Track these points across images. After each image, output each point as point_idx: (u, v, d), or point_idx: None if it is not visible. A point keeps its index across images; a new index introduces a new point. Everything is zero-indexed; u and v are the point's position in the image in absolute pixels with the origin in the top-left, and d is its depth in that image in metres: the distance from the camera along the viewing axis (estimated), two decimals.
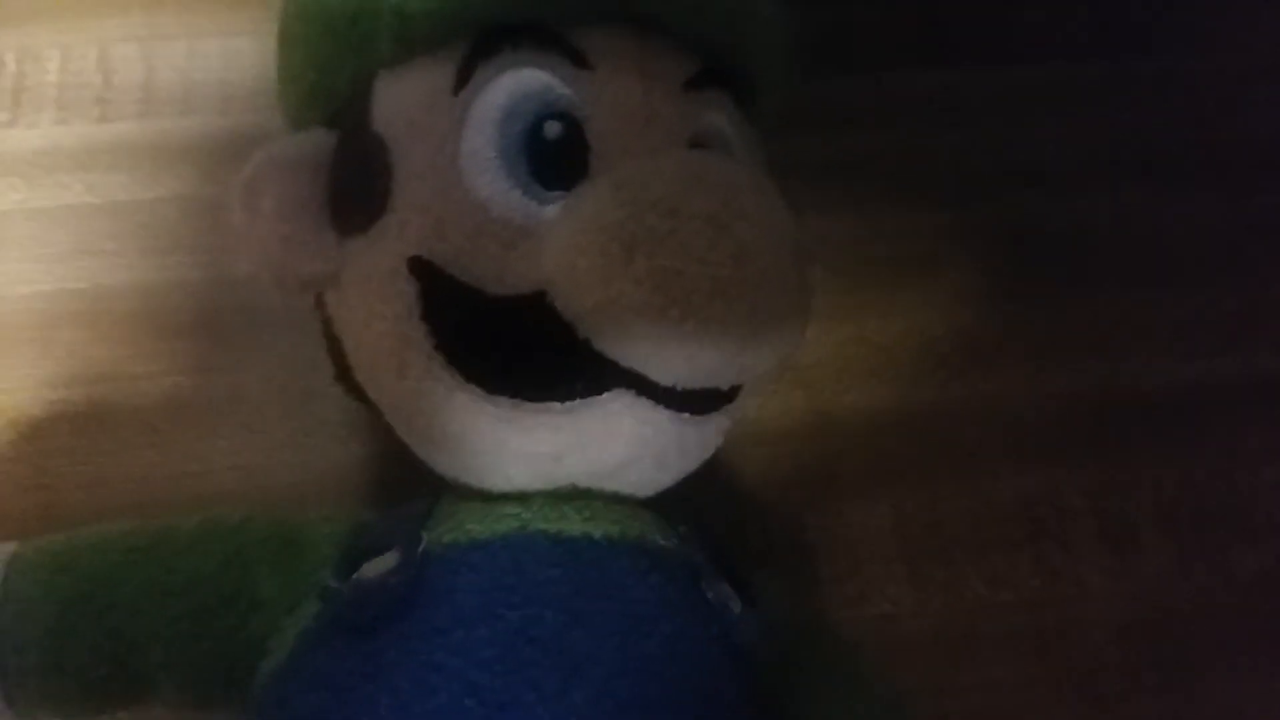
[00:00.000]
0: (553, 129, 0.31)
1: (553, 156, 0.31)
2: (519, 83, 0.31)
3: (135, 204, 0.47)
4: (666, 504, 0.35)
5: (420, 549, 0.30)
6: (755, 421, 0.45)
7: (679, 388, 0.30)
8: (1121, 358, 0.49)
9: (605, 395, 0.31)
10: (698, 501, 0.35)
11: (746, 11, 0.35)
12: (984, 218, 0.50)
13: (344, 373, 0.35)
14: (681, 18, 0.33)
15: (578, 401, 0.31)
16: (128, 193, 0.47)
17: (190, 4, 0.51)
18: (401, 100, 0.33)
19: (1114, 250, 0.51)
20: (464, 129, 0.31)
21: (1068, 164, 0.52)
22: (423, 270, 0.31)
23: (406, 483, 0.35)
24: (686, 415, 0.32)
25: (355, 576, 0.30)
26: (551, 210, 0.31)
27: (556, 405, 0.31)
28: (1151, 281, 0.50)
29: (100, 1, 0.51)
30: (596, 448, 0.32)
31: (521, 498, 0.32)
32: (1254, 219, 0.52)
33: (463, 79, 0.32)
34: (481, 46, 0.32)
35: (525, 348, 0.31)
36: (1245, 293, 0.50)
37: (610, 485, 0.33)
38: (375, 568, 0.30)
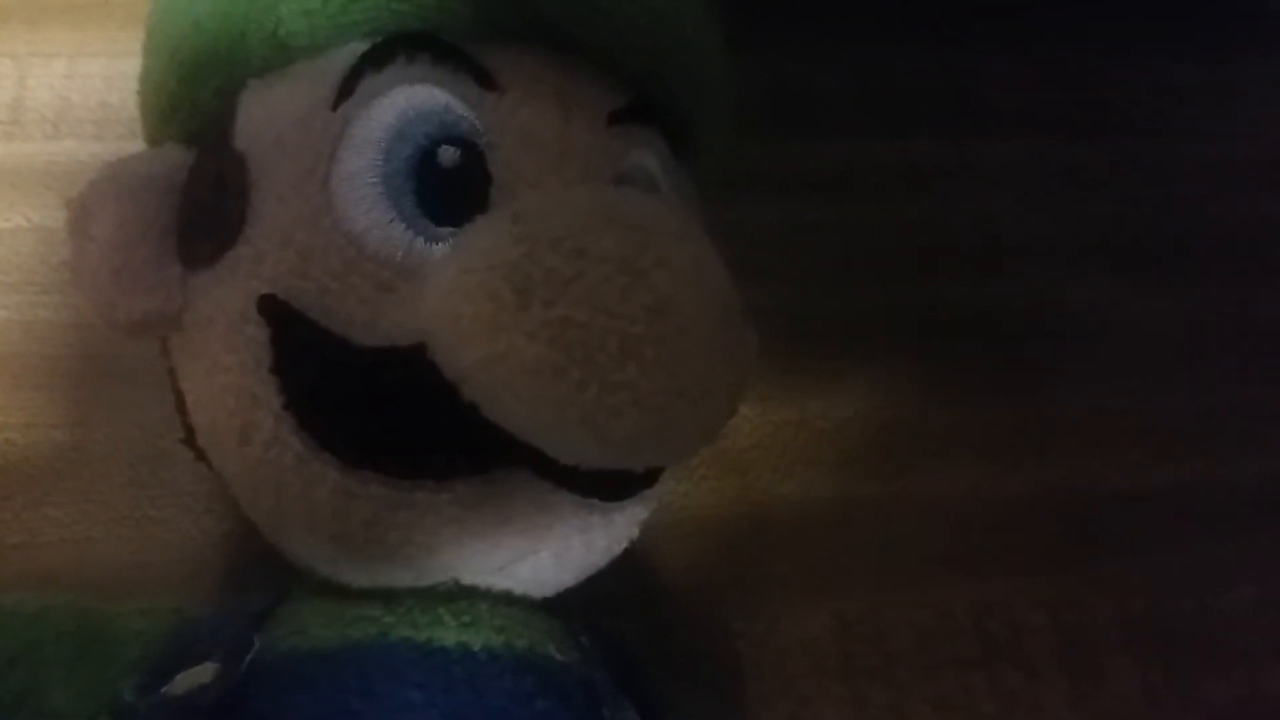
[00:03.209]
0: (449, 155, 0.27)
1: (447, 188, 0.26)
2: (412, 100, 0.27)
3: None
4: (568, 606, 0.29)
5: (248, 657, 0.24)
6: (681, 509, 0.40)
7: (583, 467, 0.25)
8: (1084, 457, 0.45)
9: (494, 474, 0.25)
10: (607, 603, 0.30)
11: (680, 40, 0.30)
12: (940, 299, 0.47)
13: (192, 433, 0.30)
14: (604, 39, 0.29)
15: (459, 480, 0.25)
16: None
17: (75, 20, 0.46)
18: (270, 112, 0.28)
19: (1077, 342, 0.47)
20: (341, 148, 0.26)
21: (1028, 247, 0.49)
22: (276, 312, 0.26)
23: (269, 567, 0.29)
24: (594, 502, 0.27)
25: (162, 690, 0.24)
26: (440, 250, 0.26)
27: (432, 484, 0.25)
28: (1119, 377, 0.46)
29: None
30: (481, 538, 0.26)
31: (387, 596, 0.26)
32: (1227, 315, 0.49)
33: (345, 91, 0.27)
34: (370, 56, 0.27)
35: (397, 411, 0.25)
36: (1216, 393, 0.47)
37: (499, 583, 0.28)
38: (187, 681, 0.24)
